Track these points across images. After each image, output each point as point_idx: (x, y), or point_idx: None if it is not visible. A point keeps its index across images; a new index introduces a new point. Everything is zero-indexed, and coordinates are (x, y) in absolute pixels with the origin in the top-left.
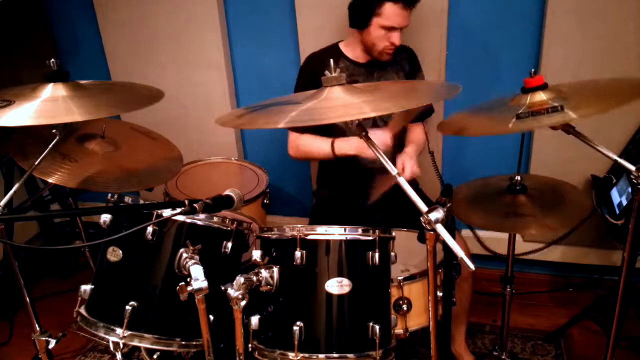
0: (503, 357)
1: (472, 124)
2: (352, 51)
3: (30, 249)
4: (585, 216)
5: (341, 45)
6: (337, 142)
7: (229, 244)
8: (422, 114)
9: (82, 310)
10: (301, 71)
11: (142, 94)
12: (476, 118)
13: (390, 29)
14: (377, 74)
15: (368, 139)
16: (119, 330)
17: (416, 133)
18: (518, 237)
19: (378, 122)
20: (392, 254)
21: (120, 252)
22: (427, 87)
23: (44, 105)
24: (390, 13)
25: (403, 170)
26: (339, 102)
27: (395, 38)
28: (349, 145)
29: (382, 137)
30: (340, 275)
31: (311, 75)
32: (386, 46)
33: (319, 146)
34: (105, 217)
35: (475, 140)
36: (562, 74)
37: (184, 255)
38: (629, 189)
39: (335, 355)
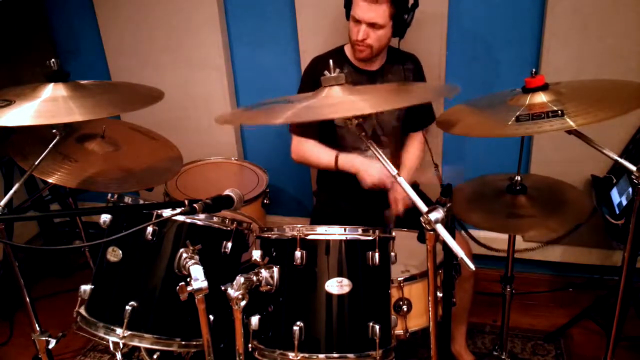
0: (503, 357)
1: (472, 122)
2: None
3: (30, 249)
4: (585, 217)
5: (346, 49)
6: (341, 157)
7: (229, 244)
8: (422, 122)
9: (82, 311)
10: (305, 74)
11: (142, 94)
12: (475, 116)
13: (357, 21)
14: (379, 81)
15: (368, 139)
16: (118, 330)
17: (412, 150)
18: (518, 237)
19: (377, 129)
20: (392, 254)
21: (120, 252)
22: (426, 90)
23: (44, 105)
24: (355, 2)
25: (396, 205)
26: (337, 99)
27: (360, 32)
28: (351, 164)
29: (380, 171)
30: (340, 275)
31: (314, 78)
32: (353, 40)
33: (323, 156)
34: (105, 217)
35: (475, 140)
36: (562, 74)
37: (184, 255)
38: (629, 189)
39: (335, 355)
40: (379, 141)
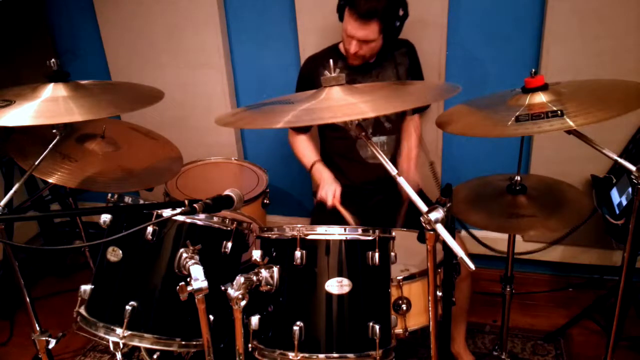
0: (503, 357)
1: (471, 122)
2: None
3: (30, 249)
4: (585, 216)
5: (341, 47)
6: (316, 167)
7: (229, 244)
8: (418, 107)
9: (82, 310)
10: (300, 74)
11: (142, 94)
12: (475, 116)
13: (349, 35)
14: (375, 72)
15: (368, 139)
16: (119, 330)
17: (410, 136)
18: (518, 237)
19: (380, 117)
20: (392, 254)
21: (120, 252)
22: (426, 88)
23: (44, 105)
24: (347, 20)
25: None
26: (338, 102)
27: (352, 46)
28: (318, 177)
29: (329, 191)
30: (340, 275)
31: (310, 77)
32: (347, 50)
33: (305, 158)
34: (105, 217)
35: (475, 140)
36: (562, 74)
37: (184, 255)
38: (629, 189)
39: (335, 355)
40: (383, 128)
